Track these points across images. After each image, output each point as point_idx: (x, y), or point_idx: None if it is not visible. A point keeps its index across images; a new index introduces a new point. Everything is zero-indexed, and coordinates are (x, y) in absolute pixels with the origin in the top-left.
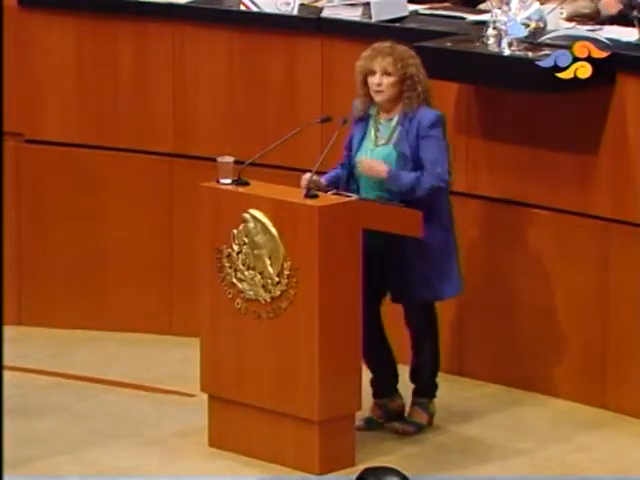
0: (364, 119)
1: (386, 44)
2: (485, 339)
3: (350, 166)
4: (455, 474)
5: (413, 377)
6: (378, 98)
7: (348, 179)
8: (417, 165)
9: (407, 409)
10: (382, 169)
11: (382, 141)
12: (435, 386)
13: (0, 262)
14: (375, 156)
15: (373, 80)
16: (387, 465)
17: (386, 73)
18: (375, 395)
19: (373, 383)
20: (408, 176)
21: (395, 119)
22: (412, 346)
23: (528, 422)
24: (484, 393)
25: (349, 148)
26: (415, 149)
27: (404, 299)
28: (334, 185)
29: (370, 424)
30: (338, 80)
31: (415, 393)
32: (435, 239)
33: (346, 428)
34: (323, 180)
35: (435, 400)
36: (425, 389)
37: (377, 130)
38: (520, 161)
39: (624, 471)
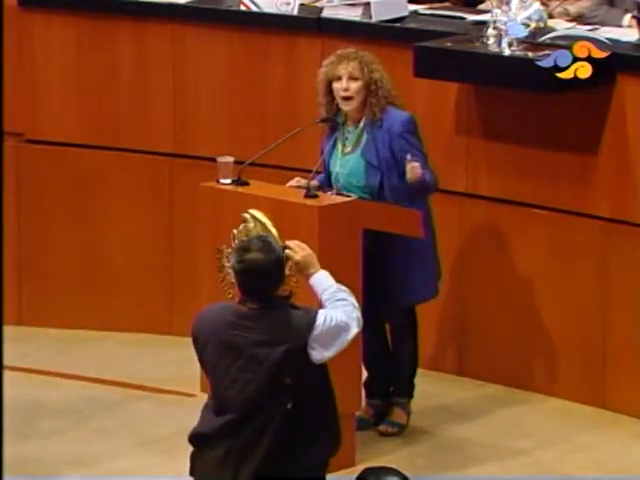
0: (332, 127)
1: (350, 50)
2: (485, 339)
3: (327, 173)
4: (455, 474)
5: (392, 378)
6: (347, 107)
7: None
8: (387, 173)
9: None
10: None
11: (348, 149)
12: (413, 386)
13: (0, 262)
14: (343, 165)
15: (339, 85)
16: (387, 465)
17: (353, 78)
18: (369, 395)
19: (367, 383)
20: (430, 178)
21: (361, 125)
22: (392, 346)
23: (528, 422)
24: (484, 393)
25: (323, 154)
26: (386, 156)
27: (385, 300)
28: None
29: (361, 424)
30: None
31: (395, 394)
32: (419, 241)
33: (346, 428)
34: (316, 182)
35: (412, 400)
36: (405, 390)
37: (345, 138)
38: (520, 161)
39: (624, 471)
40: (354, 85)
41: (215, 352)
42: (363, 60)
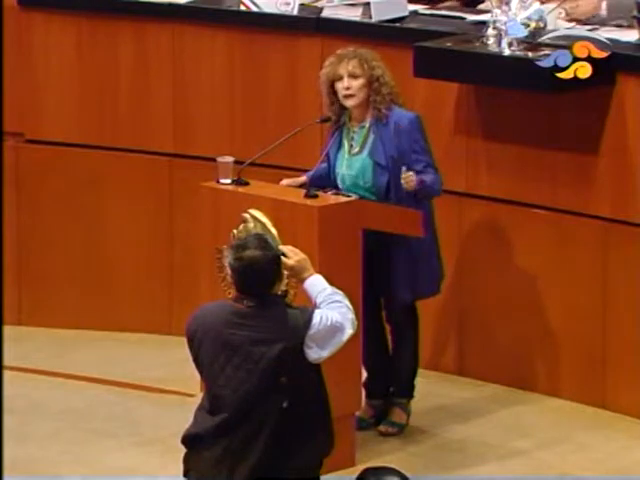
0: (338, 128)
1: (349, 49)
2: (485, 339)
3: (331, 176)
4: (455, 474)
5: (392, 378)
6: (349, 103)
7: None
8: (394, 172)
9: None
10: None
11: (356, 149)
12: (413, 386)
13: (0, 262)
14: (350, 166)
15: (341, 85)
16: (387, 465)
17: (353, 76)
18: (368, 395)
19: (367, 383)
20: (432, 180)
21: (367, 125)
22: (392, 346)
23: (528, 422)
24: (484, 393)
25: (327, 155)
26: (391, 154)
27: (389, 298)
28: (320, 180)
29: (361, 424)
30: None
31: (394, 394)
32: (420, 238)
33: (346, 428)
34: (305, 178)
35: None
36: (405, 390)
37: (351, 139)
38: (520, 161)
39: (624, 471)
40: (355, 83)
41: (211, 350)
42: (362, 57)
